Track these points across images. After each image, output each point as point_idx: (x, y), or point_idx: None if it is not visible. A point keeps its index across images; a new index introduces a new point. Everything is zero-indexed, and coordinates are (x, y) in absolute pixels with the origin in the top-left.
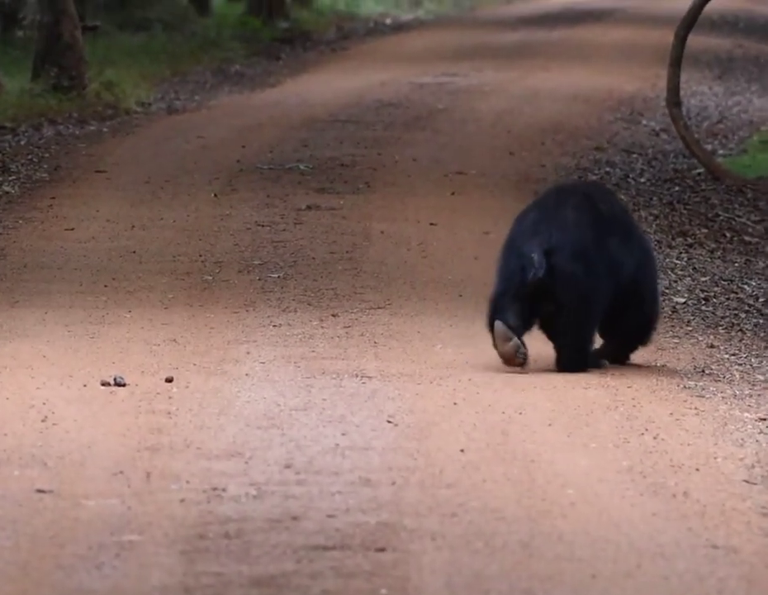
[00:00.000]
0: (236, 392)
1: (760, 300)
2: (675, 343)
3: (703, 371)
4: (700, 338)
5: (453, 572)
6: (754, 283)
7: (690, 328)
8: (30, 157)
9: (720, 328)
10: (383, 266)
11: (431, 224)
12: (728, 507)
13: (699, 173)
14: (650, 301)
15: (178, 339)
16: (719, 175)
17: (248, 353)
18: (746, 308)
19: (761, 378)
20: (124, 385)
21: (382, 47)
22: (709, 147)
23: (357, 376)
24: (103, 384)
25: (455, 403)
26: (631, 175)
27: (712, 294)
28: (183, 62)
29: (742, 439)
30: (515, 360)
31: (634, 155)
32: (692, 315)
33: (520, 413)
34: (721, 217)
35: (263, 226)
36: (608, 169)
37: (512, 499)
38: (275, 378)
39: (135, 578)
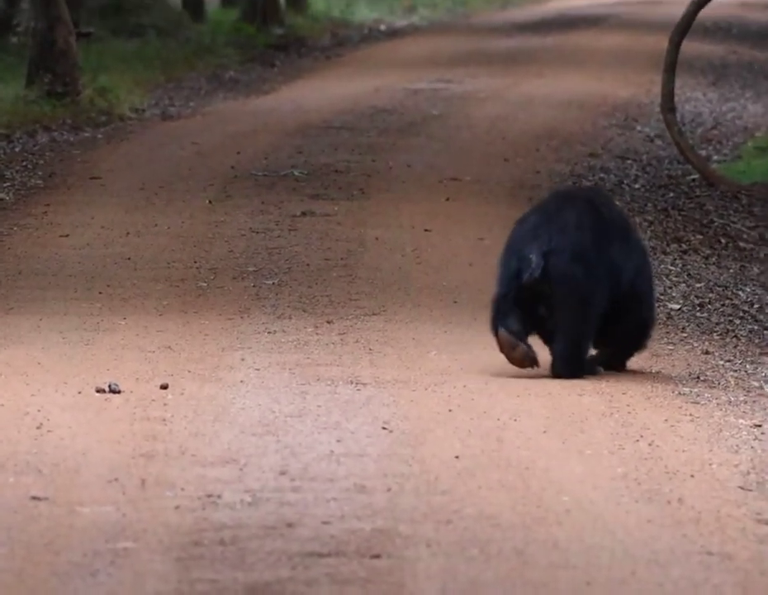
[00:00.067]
0: (231, 399)
1: (755, 306)
2: (670, 349)
3: (698, 377)
4: (695, 344)
5: (448, 579)
6: (749, 290)
7: (685, 334)
8: (24, 164)
9: (715, 334)
10: (378, 272)
11: (426, 230)
12: (723, 514)
13: (693, 179)
14: (647, 307)
15: (173, 346)
16: (714, 181)
17: (242, 360)
18: (741, 314)
19: (756, 384)
20: (119, 392)
21: (377, 53)
22: (704, 153)
23: (352, 383)
24: (98, 391)
25: (450, 410)
26: (625, 181)
27: (707, 300)
28: (178, 68)
29: (737, 445)
30: (525, 364)
31: (629, 161)
32: (687, 321)
33: (515, 420)
34: (716, 223)
35: (257, 232)
36: (602, 175)
37: (507, 506)
38: (270, 384)
39: (129, 586)
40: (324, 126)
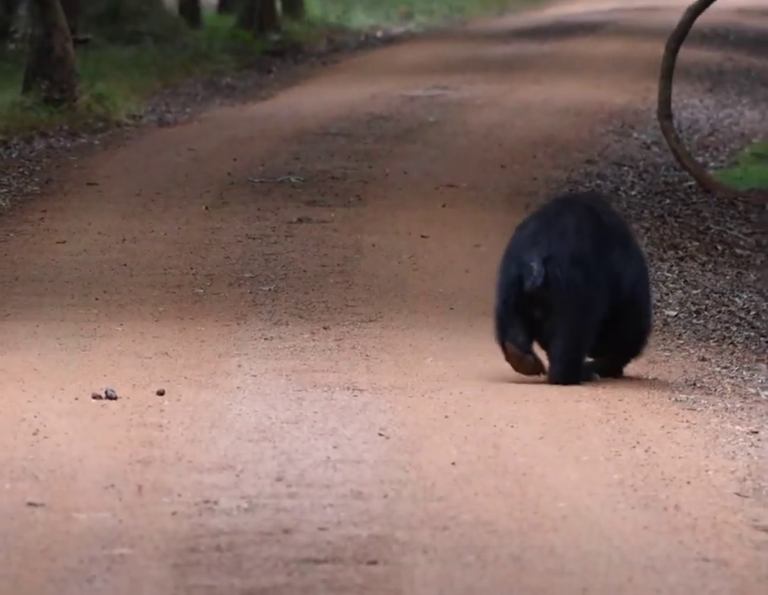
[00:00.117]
0: (228, 405)
1: (752, 313)
2: (667, 356)
3: (694, 384)
4: (692, 351)
5: (445, 585)
6: (745, 296)
7: (682, 341)
8: (21, 170)
9: (711, 341)
10: (374, 279)
11: (422, 237)
12: (720, 520)
13: (690, 186)
14: (645, 314)
15: (170, 352)
16: (710, 188)
17: (239, 366)
18: (738, 321)
19: (753, 391)
20: (115, 398)
21: (373, 60)
22: (700, 160)
23: (348, 389)
24: (94, 397)
25: (446, 416)
26: (622, 188)
27: (703, 307)
28: (174, 74)
29: (734, 452)
30: (533, 373)
31: (625, 168)
32: (683, 328)
33: (512, 426)
34: (712, 230)
35: (254, 238)
36: (599, 182)
37: (503, 512)
38: (266, 391)
39: (126, 592)
40: (321, 133)
